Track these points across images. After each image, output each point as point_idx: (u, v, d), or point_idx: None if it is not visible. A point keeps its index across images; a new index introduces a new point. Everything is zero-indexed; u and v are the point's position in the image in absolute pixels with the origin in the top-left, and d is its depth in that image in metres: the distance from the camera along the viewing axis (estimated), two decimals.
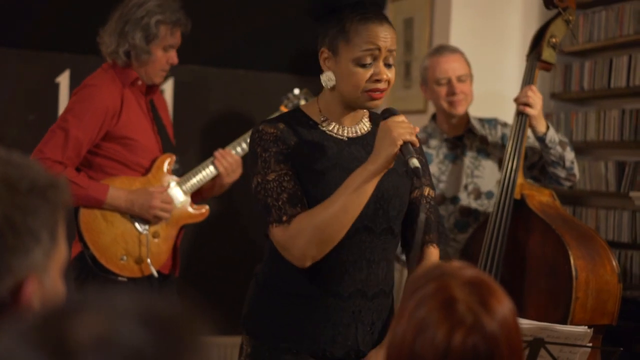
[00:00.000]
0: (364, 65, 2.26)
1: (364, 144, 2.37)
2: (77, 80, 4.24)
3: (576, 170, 3.53)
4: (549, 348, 2.41)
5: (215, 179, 3.59)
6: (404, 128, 2.19)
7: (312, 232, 2.20)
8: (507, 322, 1.36)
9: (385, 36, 2.27)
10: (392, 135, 2.17)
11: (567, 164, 3.47)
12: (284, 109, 3.84)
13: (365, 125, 2.41)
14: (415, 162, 2.14)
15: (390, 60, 2.30)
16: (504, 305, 1.37)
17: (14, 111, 4.27)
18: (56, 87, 4.33)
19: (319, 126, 2.35)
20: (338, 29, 2.29)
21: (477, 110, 3.85)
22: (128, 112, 3.36)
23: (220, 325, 4.61)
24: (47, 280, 1.15)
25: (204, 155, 3.83)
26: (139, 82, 3.41)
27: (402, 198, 2.39)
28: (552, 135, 3.42)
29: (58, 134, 3.24)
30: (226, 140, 3.79)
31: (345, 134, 2.37)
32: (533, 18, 4.57)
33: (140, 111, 3.42)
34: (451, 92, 3.59)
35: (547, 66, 3.52)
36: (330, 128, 2.36)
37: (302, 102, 3.90)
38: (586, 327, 2.48)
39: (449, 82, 3.59)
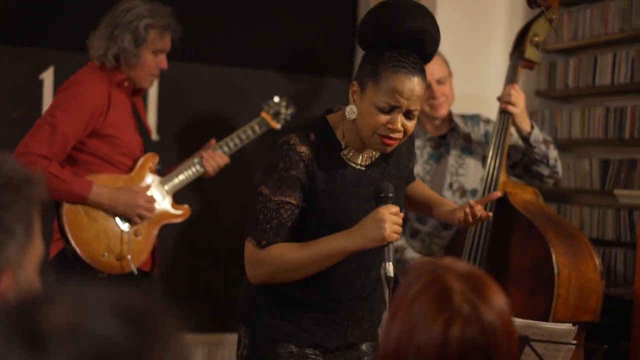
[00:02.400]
0: (382, 111, 2.28)
1: (379, 167, 2.46)
2: (61, 77, 4.22)
3: (559, 168, 3.55)
4: (534, 345, 2.41)
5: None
6: (396, 225, 2.26)
7: (275, 268, 2.34)
8: (504, 314, 1.33)
9: (410, 94, 2.27)
10: (384, 233, 2.24)
11: (551, 162, 3.48)
12: (264, 115, 3.90)
13: (377, 152, 2.47)
14: (389, 269, 2.24)
15: (413, 114, 2.32)
16: (499, 297, 1.34)
17: None
18: (40, 84, 4.30)
19: (341, 152, 2.41)
20: (372, 68, 2.29)
21: (462, 108, 3.85)
22: (114, 111, 3.37)
23: (202, 322, 4.60)
24: (22, 275, 1.15)
25: (187, 152, 3.82)
26: (126, 84, 3.43)
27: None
28: (537, 135, 3.43)
29: (45, 129, 3.23)
30: (210, 138, 3.77)
31: (363, 163, 2.44)
32: (518, 17, 4.58)
33: (125, 111, 3.44)
34: (432, 96, 3.59)
35: (530, 64, 3.53)
36: (349, 156, 2.42)
37: (283, 110, 3.96)
38: (571, 324, 2.48)
39: (429, 87, 3.57)
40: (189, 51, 4.29)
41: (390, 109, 2.28)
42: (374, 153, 2.45)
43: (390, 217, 2.25)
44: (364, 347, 2.55)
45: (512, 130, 3.51)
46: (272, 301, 2.45)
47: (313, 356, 2.46)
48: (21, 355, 0.79)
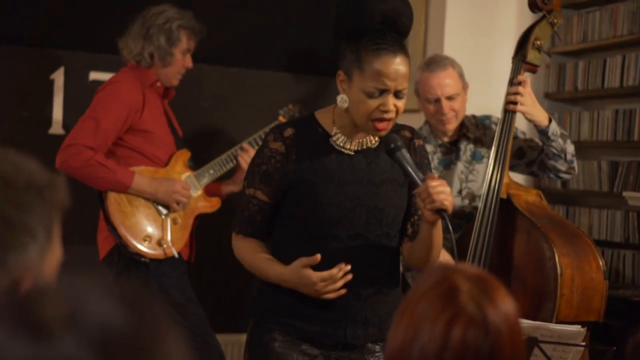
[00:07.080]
0: (372, 96, 2.34)
1: (367, 156, 2.48)
2: (71, 77, 4.26)
3: (575, 164, 3.52)
4: (543, 347, 2.42)
5: (234, 175, 3.90)
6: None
7: (239, 257, 2.55)
8: (511, 319, 1.31)
9: (396, 74, 2.32)
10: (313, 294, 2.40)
11: (569, 157, 3.45)
12: (282, 120, 4.11)
13: (372, 139, 2.50)
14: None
15: (402, 93, 2.37)
16: (507, 301, 1.33)
17: (8, 108, 4.27)
18: (51, 84, 4.33)
19: (330, 138, 2.47)
20: (354, 56, 2.35)
21: (470, 105, 3.82)
22: (149, 109, 3.66)
23: (219, 322, 4.57)
24: (40, 279, 1.15)
25: (197, 152, 3.86)
26: (158, 84, 3.72)
27: (397, 206, 2.49)
28: (555, 128, 3.39)
29: (89, 122, 3.52)
30: (219, 139, 3.81)
31: (353, 148, 2.48)
32: (526, 21, 4.58)
33: (158, 110, 3.73)
34: (440, 112, 3.51)
35: (533, 68, 3.51)
36: (339, 142, 2.47)
37: (298, 115, 4.08)
38: (579, 326, 2.49)
39: (438, 102, 3.52)
40: (196, 52, 4.30)
41: (380, 93, 2.33)
42: (365, 139, 2.48)
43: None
44: (372, 348, 2.51)
45: (529, 127, 3.47)
46: (275, 293, 2.48)
47: (308, 349, 2.46)
48: (28, 345, 0.81)
